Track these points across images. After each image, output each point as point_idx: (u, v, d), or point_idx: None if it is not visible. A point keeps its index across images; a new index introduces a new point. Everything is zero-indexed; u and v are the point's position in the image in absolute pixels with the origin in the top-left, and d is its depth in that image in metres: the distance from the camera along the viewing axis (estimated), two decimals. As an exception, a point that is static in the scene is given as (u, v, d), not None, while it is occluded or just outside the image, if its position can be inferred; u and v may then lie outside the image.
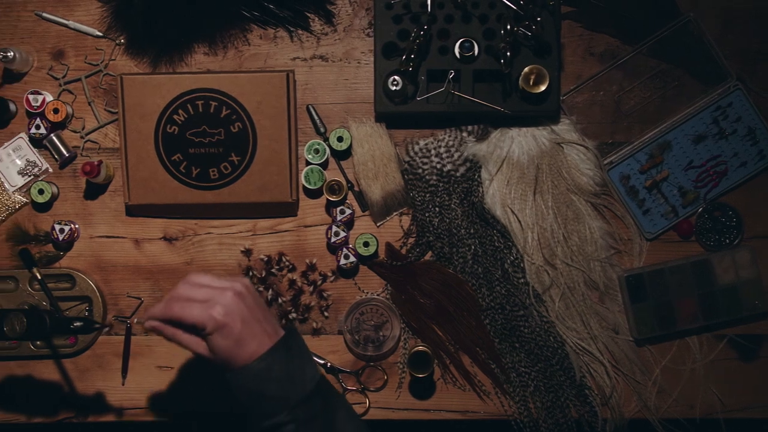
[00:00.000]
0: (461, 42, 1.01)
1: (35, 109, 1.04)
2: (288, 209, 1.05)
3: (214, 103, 1.01)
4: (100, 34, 1.06)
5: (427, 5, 1.01)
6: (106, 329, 0.91)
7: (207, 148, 1.02)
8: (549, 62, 1.01)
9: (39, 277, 0.93)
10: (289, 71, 1.02)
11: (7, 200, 1.06)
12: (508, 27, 0.98)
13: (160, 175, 1.03)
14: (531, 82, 0.99)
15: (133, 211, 1.06)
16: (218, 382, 1.04)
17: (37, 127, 1.04)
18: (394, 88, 1.01)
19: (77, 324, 0.90)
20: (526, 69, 0.99)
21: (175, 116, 1.02)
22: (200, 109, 1.02)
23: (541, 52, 1.02)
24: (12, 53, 1.01)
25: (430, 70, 1.02)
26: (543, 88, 0.99)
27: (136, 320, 0.99)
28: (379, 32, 1.02)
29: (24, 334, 0.89)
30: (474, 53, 1.01)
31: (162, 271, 1.06)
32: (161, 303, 0.84)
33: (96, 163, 1.01)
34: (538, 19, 0.99)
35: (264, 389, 0.82)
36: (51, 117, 1.04)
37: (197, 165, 1.02)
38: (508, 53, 0.98)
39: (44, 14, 1.06)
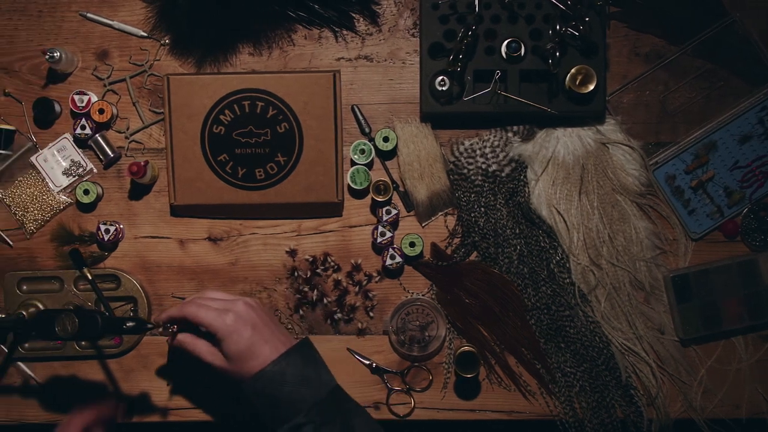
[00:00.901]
0: (508, 42, 1.01)
1: (80, 110, 1.04)
2: (333, 209, 1.05)
3: (260, 104, 1.01)
4: (145, 34, 1.06)
5: (474, 5, 1.01)
6: (159, 330, 0.91)
7: (253, 148, 1.02)
8: (595, 62, 1.01)
9: (90, 278, 0.92)
10: (336, 71, 1.02)
11: (51, 201, 1.06)
12: (557, 27, 0.98)
13: (206, 175, 1.03)
14: (578, 82, 0.99)
15: (178, 211, 1.05)
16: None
17: (83, 128, 1.04)
18: (441, 88, 1.01)
19: (129, 324, 0.89)
20: (574, 69, 0.99)
21: (222, 116, 1.02)
22: (247, 110, 1.02)
23: (587, 52, 1.01)
24: (58, 53, 1.01)
25: (477, 70, 1.02)
26: (591, 87, 0.99)
27: (158, 325, 0.97)
28: (426, 32, 1.02)
29: (76, 334, 0.89)
30: (521, 53, 1.01)
31: (206, 272, 1.06)
32: (176, 306, 0.91)
33: (142, 163, 1.01)
34: (587, 19, 0.99)
35: (279, 393, 0.85)
36: (96, 117, 1.04)
37: (243, 165, 1.02)
38: (557, 53, 0.98)
39: (89, 14, 1.06)
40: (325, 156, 1.02)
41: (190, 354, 0.91)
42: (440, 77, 1.01)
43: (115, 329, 0.90)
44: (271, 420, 0.86)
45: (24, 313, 1.02)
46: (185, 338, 0.92)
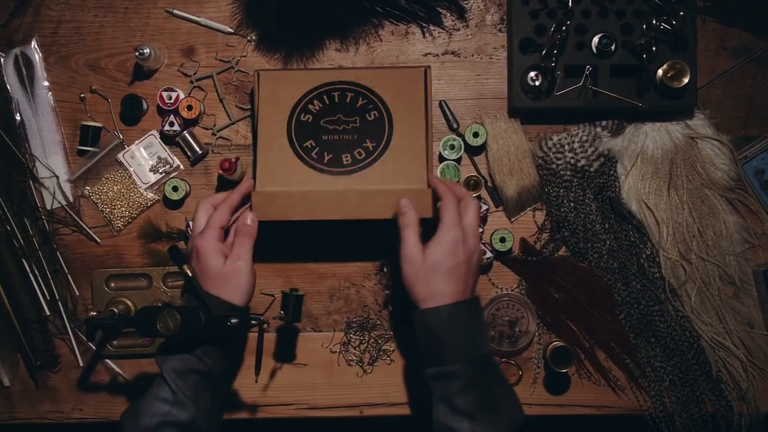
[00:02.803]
0: (600, 37, 1.01)
1: (168, 106, 1.04)
2: (423, 201, 0.96)
3: (350, 94, 1.00)
4: (231, 30, 1.06)
5: (565, 0, 1.00)
6: (265, 325, 0.91)
7: (341, 135, 0.99)
8: (686, 56, 1.01)
9: (190, 274, 0.92)
10: (427, 66, 1.02)
11: (139, 198, 1.06)
12: (654, 22, 0.98)
13: (290, 160, 0.98)
14: (669, 76, 1.00)
15: (257, 210, 0.97)
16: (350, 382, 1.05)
17: (171, 124, 1.04)
18: (534, 83, 1.01)
19: (234, 321, 0.89)
20: (666, 64, 0.99)
21: (310, 106, 1.00)
22: (336, 100, 1.00)
23: (676, 47, 1.02)
24: (148, 50, 1.01)
25: (567, 65, 1.02)
26: (685, 81, 0.99)
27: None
28: (516, 27, 1.02)
29: (178, 331, 0.88)
30: (612, 48, 1.01)
31: (294, 268, 1.06)
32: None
33: (233, 159, 1.01)
34: (681, 13, 0.99)
35: (445, 335, 0.86)
36: (185, 114, 1.04)
37: (330, 151, 0.98)
38: (653, 48, 0.98)
39: (175, 11, 1.06)
40: (415, 143, 0.98)
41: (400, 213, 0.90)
42: (533, 72, 1.01)
43: (218, 326, 0.89)
44: (428, 357, 0.87)
45: (115, 310, 1.01)
46: (408, 207, 0.90)
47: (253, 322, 0.90)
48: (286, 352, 1.06)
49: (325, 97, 1.00)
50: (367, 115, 1.00)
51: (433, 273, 0.86)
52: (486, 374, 0.87)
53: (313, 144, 0.99)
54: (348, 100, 1.00)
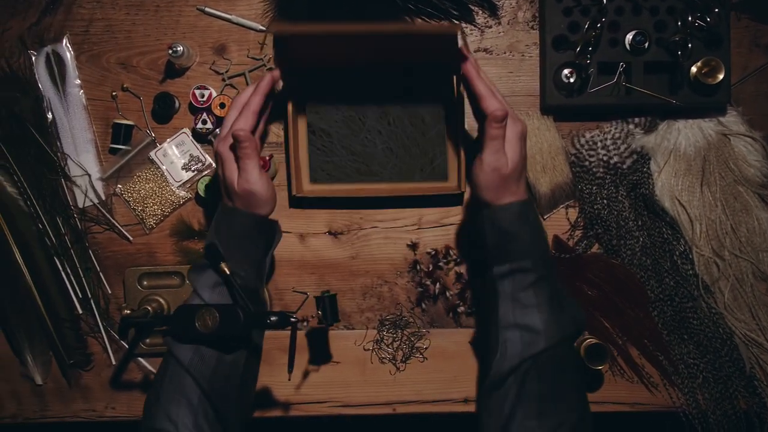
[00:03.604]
0: (634, 34, 1.01)
1: (201, 104, 1.04)
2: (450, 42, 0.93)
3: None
4: (263, 28, 1.06)
5: (599, -3, 1.01)
6: (304, 324, 0.90)
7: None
8: (720, 53, 1.01)
9: (228, 272, 0.92)
10: (458, 63, 1.02)
11: (171, 196, 1.06)
12: (689, 18, 0.98)
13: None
14: (703, 73, 1.00)
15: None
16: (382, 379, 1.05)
17: (204, 122, 1.04)
18: (568, 80, 1.00)
19: (273, 318, 0.89)
20: (701, 61, 0.99)
21: None
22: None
23: (710, 44, 1.02)
24: (181, 48, 1.01)
25: (600, 62, 1.02)
26: (720, 77, 0.99)
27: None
28: (549, 25, 1.02)
29: (216, 329, 0.88)
30: (646, 46, 1.01)
31: (327, 266, 1.06)
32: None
33: (267, 157, 1.00)
34: (716, 10, 0.99)
35: (518, 231, 0.87)
36: (217, 112, 1.04)
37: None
38: (688, 45, 0.98)
39: (206, 9, 1.06)
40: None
41: (473, 91, 0.89)
42: (567, 69, 1.01)
43: (258, 324, 0.89)
44: (496, 252, 0.88)
45: (149, 308, 1.01)
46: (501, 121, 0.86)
47: (292, 320, 0.89)
48: (319, 353, 1.06)
49: None
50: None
51: (512, 175, 0.87)
52: (552, 273, 0.88)
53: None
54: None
